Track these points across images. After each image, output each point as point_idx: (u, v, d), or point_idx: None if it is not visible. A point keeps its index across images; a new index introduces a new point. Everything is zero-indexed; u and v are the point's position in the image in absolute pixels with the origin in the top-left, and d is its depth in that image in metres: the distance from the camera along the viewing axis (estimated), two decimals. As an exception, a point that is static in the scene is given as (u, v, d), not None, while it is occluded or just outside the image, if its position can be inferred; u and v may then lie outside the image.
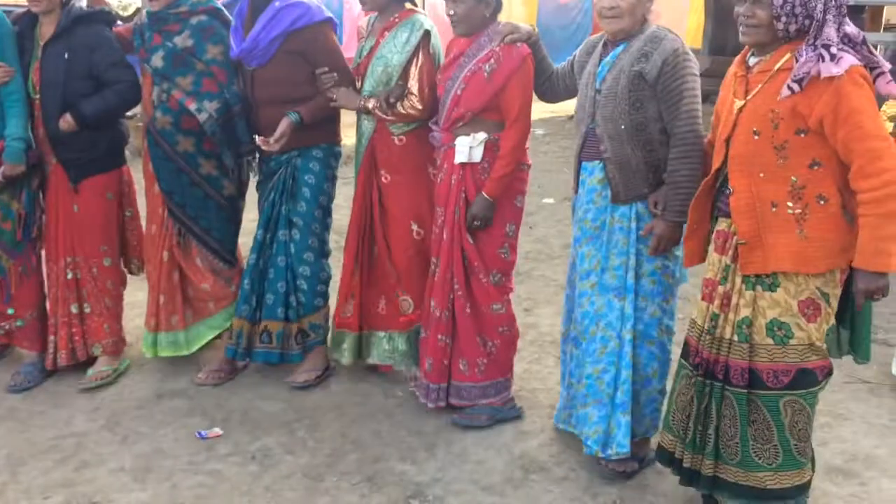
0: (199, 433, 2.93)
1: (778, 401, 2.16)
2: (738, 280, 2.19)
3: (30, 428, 2.96)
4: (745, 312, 2.17)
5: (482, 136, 2.86)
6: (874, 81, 2.09)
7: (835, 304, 2.19)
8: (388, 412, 3.11)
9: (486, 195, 2.85)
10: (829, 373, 2.21)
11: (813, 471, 2.30)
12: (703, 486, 2.31)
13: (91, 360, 3.35)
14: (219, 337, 3.39)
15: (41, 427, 2.96)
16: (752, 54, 2.22)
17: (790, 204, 2.11)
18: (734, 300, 2.19)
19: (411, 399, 3.17)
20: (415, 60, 3.03)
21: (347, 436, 2.94)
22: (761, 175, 2.14)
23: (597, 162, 2.60)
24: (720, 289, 2.22)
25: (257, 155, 3.31)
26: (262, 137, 3.12)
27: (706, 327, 2.25)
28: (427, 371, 3.03)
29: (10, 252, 3.27)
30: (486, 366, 2.98)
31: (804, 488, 2.25)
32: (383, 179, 3.16)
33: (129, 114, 3.47)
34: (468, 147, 2.84)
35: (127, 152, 3.46)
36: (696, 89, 2.47)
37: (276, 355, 3.29)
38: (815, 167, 2.10)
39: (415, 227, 3.15)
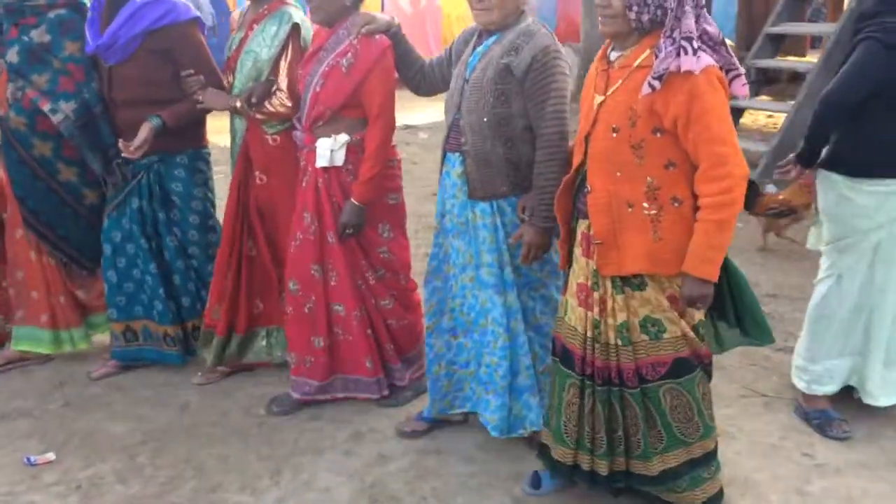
0: (27, 458, 2.64)
1: (658, 391, 2.18)
2: (609, 284, 2.16)
3: None
4: (622, 317, 2.15)
5: (343, 138, 2.71)
6: (730, 83, 2.05)
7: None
8: (242, 434, 2.85)
9: (354, 202, 2.71)
10: (708, 359, 2.23)
11: (714, 449, 2.29)
12: (621, 481, 2.29)
13: None
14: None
15: None
16: (613, 48, 2.16)
17: (646, 205, 2.08)
18: (609, 304, 2.16)
19: (271, 418, 2.94)
20: (284, 55, 2.88)
21: (191, 461, 2.68)
22: (618, 174, 2.10)
23: (458, 154, 2.49)
24: (595, 295, 2.18)
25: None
26: (123, 142, 2.92)
27: (591, 335, 2.20)
28: (368, 368, 2.92)
29: None
30: (394, 350, 2.96)
31: (697, 464, 2.25)
32: (258, 181, 3.00)
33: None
34: (329, 150, 2.68)
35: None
36: (564, 89, 2.38)
37: (172, 355, 3.23)
38: (670, 168, 2.07)
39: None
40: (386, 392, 2.97)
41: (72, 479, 2.59)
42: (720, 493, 2.35)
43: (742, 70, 2.09)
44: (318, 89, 2.69)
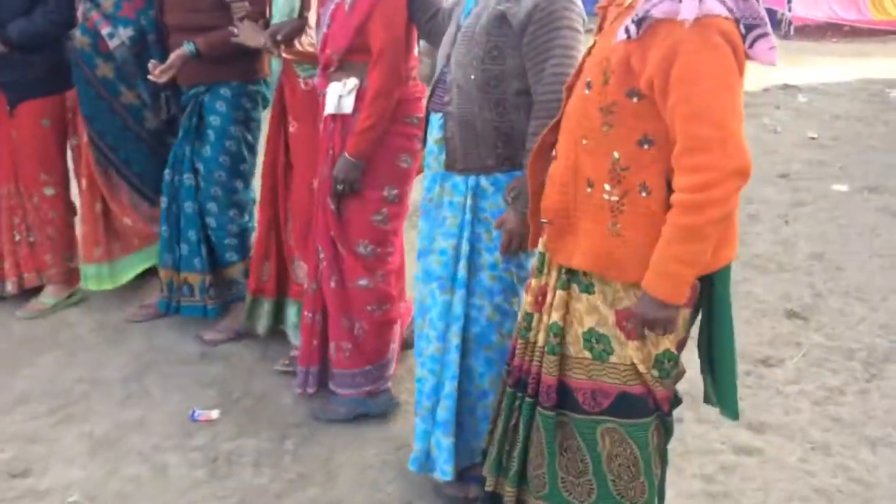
0: (193, 412, 2.58)
1: (595, 427, 1.76)
2: (554, 274, 1.78)
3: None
4: (555, 317, 1.76)
5: (353, 82, 2.39)
6: (750, 46, 1.55)
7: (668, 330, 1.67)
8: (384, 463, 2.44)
9: (347, 155, 2.38)
10: (671, 404, 1.75)
11: None
12: None
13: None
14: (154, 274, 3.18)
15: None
16: None
17: (607, 186, 1.66)
18: (549, 298, 1.79)
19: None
20: None
21: (328, 463, 2.36)
22: (584, 142, 1.68)
23: (440, 115, 2.12)
24: (534, 282, 1.84)
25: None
26: (153, 62, 2.84)
27: (522, 326, 1.87)
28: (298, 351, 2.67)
29: None
30: (350, 351, 2.53)
31: None
32: (291, 128, 2.76)
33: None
34: (337, 96, 2.38)
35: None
36: (571, 47, 1.92)
37: (200, 308, 3.03)
38: (645, 146, 1.62)
39: (316, 186, 2.62)
40: (311, 389, 2.60)
41: (214, 448, 2.47)
42: None
43: (768, 28, 1.54)
44: (326, 30, 2.42)
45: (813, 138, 5.92)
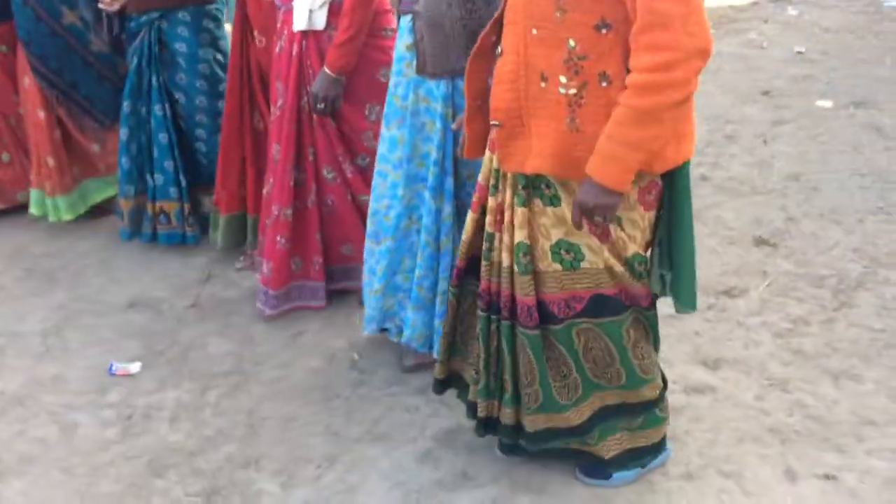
0: (111, 366, 2.42)
1: (570, 329, 1.75)
2: (509, 191, 1.68)
3: None
4: (520, 236, 1.68)
5: None
6: None
7: (637, 230, 1.68)
8: (326, 396, 2.29)
9: (326, 69, 2.29)
10: (647, 301, 1.75)
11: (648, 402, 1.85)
12: (503, 433, 1.92)
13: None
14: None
15: None
16: None
17: (563, 79, 1.54)
18: (507, 216, 1.70)
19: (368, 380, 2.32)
20: None
21: (252, 416, 2.21)
22: (534, 32, 1.56)
23: (409, 17, 2.04)
24: (491, 201, 1.74)
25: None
26: None
27: (482, 248, 1.78)
28: (266, 276, 2.58)
29: None
30: (321, 265, 2.60)
31: (612, 413, 1.85)
32: (257, 43, 2.63)
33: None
34: (307, 10, 2.27)
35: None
36: None
37: (179, 236, 3.02)
38: (603, 30, 1.51)
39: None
40: (273, 311, 2.60)
41: (130, 404, 2.30)
42: (644, 451, 1.92)
43: None
44: None
45: (800, 53, 5.56)
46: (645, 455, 1.94)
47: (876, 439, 2.06)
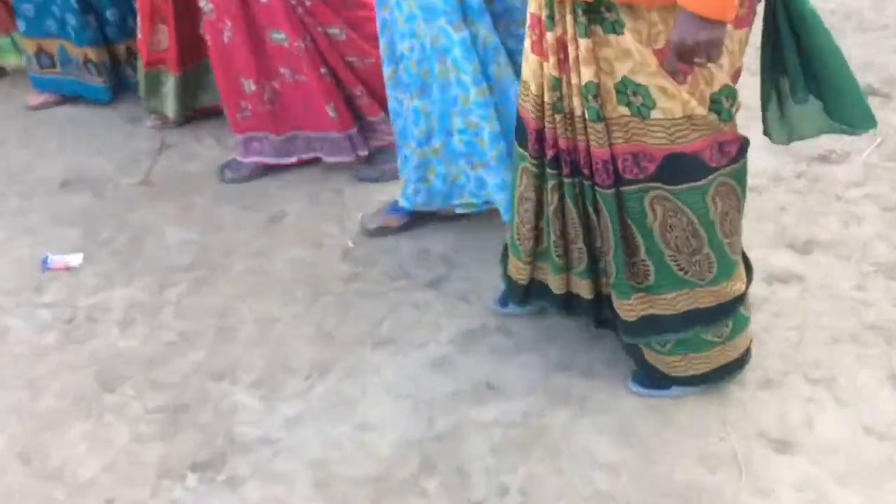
0: (45, 258, 2.17)
1: (643, 197, 1.56)
2: (569, 18, 1.47)
3: None
4: (587, 74, 1.48)
5: None
6: None
7: (724, 54, 1.43)
8: (316, 290, 2.10)
9: None
10: (740, 147, 1.57)
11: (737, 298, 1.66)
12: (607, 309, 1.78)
13: None
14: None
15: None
16: None
17: None
18: (572, 53, 1.49)
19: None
20: None
21: (225, 314, 2.03)
22: None
23: None
24: (548, 35, 1.52)
25: None
26: None
27: (549, 99, 1.58)
28: (332, 118, 2.46)
29: None
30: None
31: (699, 318, 1.65)
32: None
33: None
34: None
35: None
36: None
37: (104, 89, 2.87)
38: None
39: None
40: (364, 152, 2.43)
41: (72, 305, 2.02)
42: (725, 370, 1.73)
43: None
44: None
45: None
46: (726, 373, 1.69)
47: None
